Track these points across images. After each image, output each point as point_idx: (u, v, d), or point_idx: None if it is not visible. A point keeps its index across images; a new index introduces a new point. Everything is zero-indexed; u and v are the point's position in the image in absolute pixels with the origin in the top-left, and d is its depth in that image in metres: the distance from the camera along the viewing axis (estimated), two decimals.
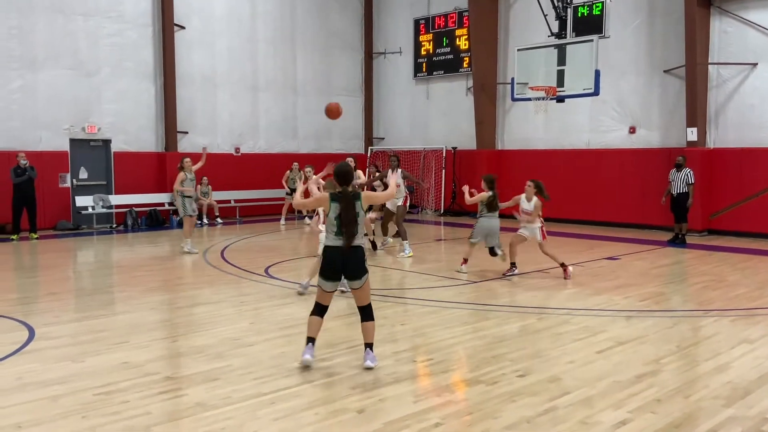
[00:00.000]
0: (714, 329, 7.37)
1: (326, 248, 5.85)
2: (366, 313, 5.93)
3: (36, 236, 15.40)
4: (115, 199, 17.86)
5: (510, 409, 4.95)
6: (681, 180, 14.54)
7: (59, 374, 5.76)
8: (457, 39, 21.24)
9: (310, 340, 5.92)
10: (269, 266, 11.34)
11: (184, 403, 5.14)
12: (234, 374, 5.76)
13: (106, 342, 6.82)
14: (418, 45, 22.38)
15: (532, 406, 5.01)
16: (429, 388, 5.56)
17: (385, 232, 13.46)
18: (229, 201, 19.77)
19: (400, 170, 12.65)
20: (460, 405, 5.14)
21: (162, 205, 18.60)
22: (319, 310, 5.96)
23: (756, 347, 6.59)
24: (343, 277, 5.89)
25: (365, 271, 5.82)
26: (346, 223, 5.69)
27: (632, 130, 17.34)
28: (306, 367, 5.85)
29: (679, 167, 14.69)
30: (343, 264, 5.75)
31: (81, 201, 17.28)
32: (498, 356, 6.31)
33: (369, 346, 5.92)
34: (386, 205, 12.83)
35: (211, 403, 5.07)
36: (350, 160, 11.35)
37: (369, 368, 5.81)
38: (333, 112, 8.22)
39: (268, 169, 20.26)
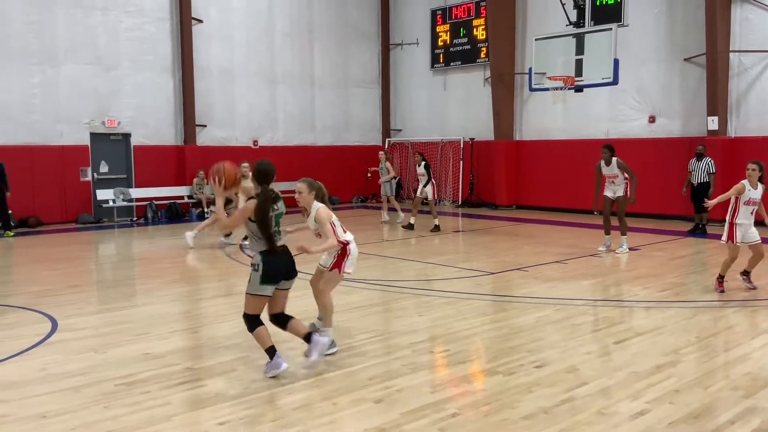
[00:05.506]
0: (734, 320, 7.31)
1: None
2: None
3: (12, 234, 14.73)
4: (136, 193, 18.06)
5: (527, 400, 4.96)
6: (702, 169, 14.38)
7: (82, 365, 5.86)
8: (475, 29, 21.12)
9: (272, 348, 5.60)
10: None
11: (204, 393, 5.20)
12: (253, 365, 5.81)
13: (128, 333, 6.92)
14: (435, 36, 22.29)
15: (549, 397, 5.01)
16: (446, 378, 5.58)
17: (608, 230, 12.19)
18: None
19: (615, 159, 11.71)
20: (477, 395, 5.16)
21: (182, 198, 18.75)
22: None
23: None
24: None
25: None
26: (263, 228, 5.39)
27: (652, 120, 17.16)
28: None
29: (699, 156, 14.53)
30: (286, 268, 5.56)
31: (102, 194, 17.48)
32: (515, 347, 6.31)
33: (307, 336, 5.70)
34: (608, 195, 11.99)
35: (230, 394, 5.13)
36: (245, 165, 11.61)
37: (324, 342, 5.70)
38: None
39: (286, 161, 20.27)
